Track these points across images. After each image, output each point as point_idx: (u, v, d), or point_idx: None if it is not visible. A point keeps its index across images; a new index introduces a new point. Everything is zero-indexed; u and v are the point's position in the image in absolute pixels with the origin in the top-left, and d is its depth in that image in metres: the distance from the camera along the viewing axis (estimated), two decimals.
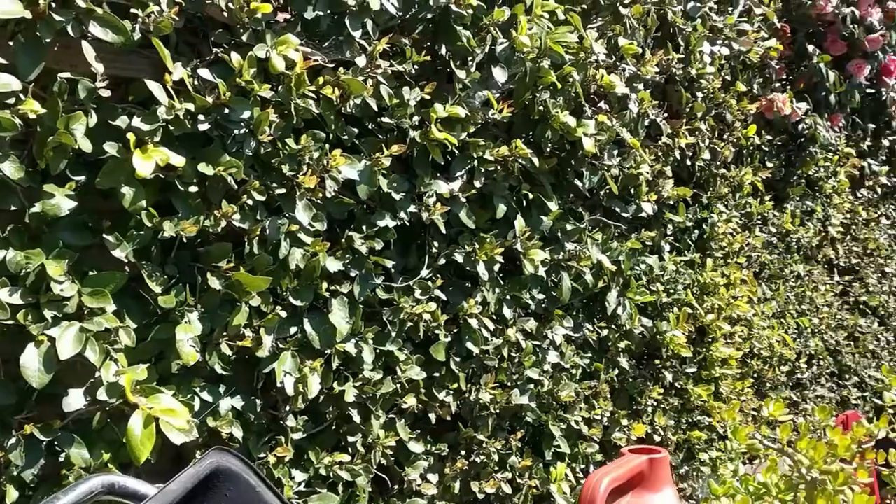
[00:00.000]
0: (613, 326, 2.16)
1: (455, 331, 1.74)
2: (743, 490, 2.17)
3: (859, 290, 3.67)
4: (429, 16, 1.64)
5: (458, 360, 1.74)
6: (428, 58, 1.62)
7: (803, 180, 3.15)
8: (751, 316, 2.72)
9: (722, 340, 2.56)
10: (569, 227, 2.01)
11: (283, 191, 1.43)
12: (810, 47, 3.01)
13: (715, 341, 2.52)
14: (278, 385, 1.41)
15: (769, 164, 2.87)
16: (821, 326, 3.35)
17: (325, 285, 1.48)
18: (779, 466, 2.18)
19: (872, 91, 3.47)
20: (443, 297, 1.70)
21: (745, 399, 2.71)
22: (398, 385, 1.62)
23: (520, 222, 1.84)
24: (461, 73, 1.69)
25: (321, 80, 1.46)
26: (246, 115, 1.35)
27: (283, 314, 1.43)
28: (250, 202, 1.39)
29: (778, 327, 2.96)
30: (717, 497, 2.15)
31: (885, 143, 3.74)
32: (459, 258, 1.73)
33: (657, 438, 2.32)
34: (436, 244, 1.71)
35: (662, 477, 1.61)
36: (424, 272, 1.67)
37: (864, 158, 3.59)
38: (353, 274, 1.53)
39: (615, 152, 2.08)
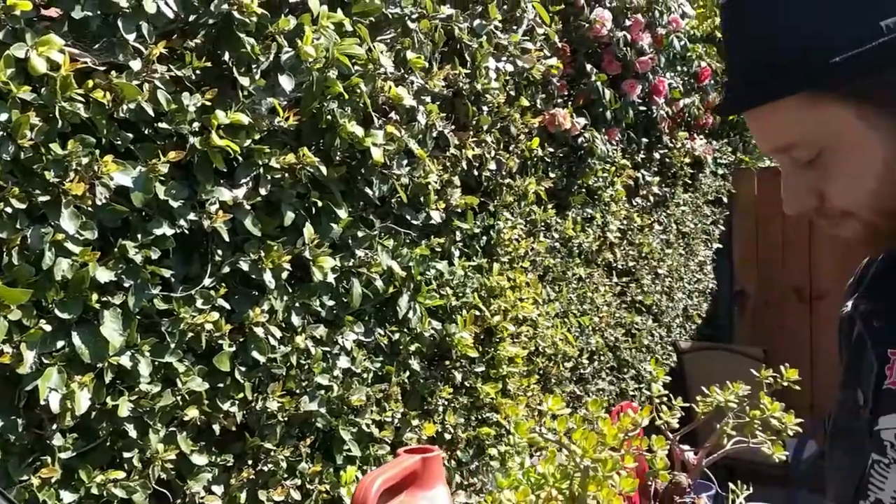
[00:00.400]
0: (405, 330, 2.23)
1: (241, 340, 1.73)
2: (525, 481, 2.32)
3: (635, 290, 4.01)
4: (211, 21, 1.62)
5: (243, 369, 1.73)
6: (209, 64, 1.60)
7: (584, 190, 3.39)
8: (535, 316, 2.90)
9: (509, 340, 2.71)
10: (360, 234, 2.05)
11: (47, 198, 1.36)
12: (589, 66, 3.26)
13: (502, 341, 2.66)
14: (42, 402, 1.34)
15: (552, 175, 3.07)
16: (601, 325, 3.62)
17: (95, 297, 1.42)
18: (557, 457, 2.35)
19: (644, 108, 3.81)
20: (227, 306, 1.68)
21: (531, 395, 2.88)
22: (179, 397, 1.59)
23: (309, 230, 1.86)
24: (245, 80, 1.68)
25: (91, 83, 1.40)
26: (3, 117, 1.27)
27: (49, 328, 1.36)
28: (9, 210, 1.31)
29: (561, 326, 3.17)
30: (501, 489, 2.28)
31: (657, 155, 4.11)
32: (245, 266, 1.72)
33: (448, 436, 2.42)
34: (219, 252, 1.69)
35: (436, 474, 1.69)
36: (207, 281, 1.65)
37: (639, 170, 3.93)
38: (127, 284, 1.48)
39: (405, 162, 2.15)
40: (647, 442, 2.41)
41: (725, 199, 5.30)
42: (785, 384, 2.60)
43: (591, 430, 2.29)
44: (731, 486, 2.75)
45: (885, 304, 0.95)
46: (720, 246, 5.30)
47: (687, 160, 4.44)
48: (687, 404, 2.92)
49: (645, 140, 3.96)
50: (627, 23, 3.41)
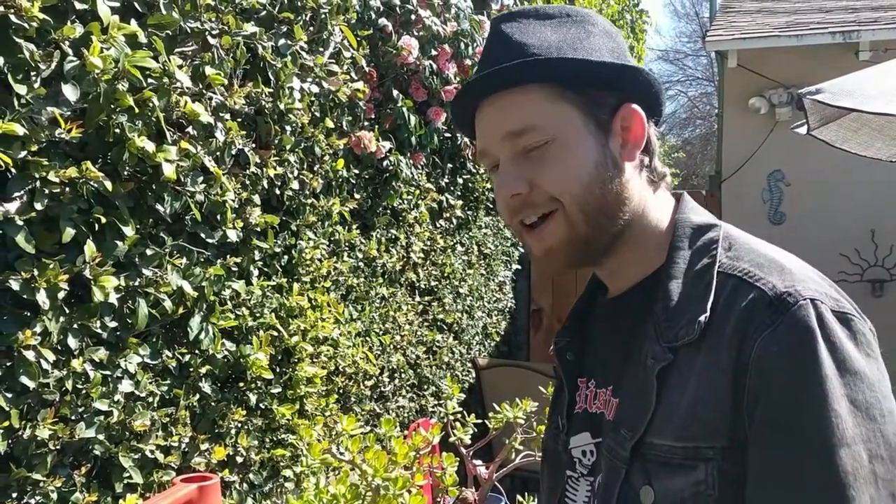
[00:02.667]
0: (196, 352, 2.17)
1: (8, 364, 1.61)
2: (317, 502, 2.32)
3: (437, 309, 4.13)
4: None
5: (10, 395, 1.61)
6: None
7: (388, 211, 3.46)
8: (336, 336, 2.92)
9: (307, 360, 2.71)
10: (148, 252, 1.97)
11: None
12: (396, 92, 3.34)
13: (300, 361, 2.66)
14: None
15: (357, 196, 3.12)
16: (402, 343, 3.70)
17: None
18: (349, 477, 2.38)
19: (449, 135, 3.95)
20: None
21: (329, 415, 2.89)
22: None
23: (90, 247, 1.77)
24: (21, 88, 1.58)
25: None
26: None
27: None
28: None
29: (362, 345, 3.21)
30: None
31: (460, 180, 4.28)
32: (15, 285, 1.61)
33: (240, 459, 2.38)
34: None
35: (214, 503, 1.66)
36: None
37: (443, 193, 4.06)
38: None
39: (199, 179, 2.10)
40: (438, 459, 2.50)
41: None
42: None
43: (383, 450, 2.34)
44: (519, 497, 2.90)
45: (577, 339, 1.10)
46: (519, 267, 5.59)
47: (489, 185, 4.65)
48: (481, 420, 3.05)
49: (449, 165, 4.11)
50: (434, 52, 3.54)
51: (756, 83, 6.50)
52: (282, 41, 2.45)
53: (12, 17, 1.53)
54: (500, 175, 0.96)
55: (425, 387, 4.05)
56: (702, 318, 0.87)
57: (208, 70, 2.10)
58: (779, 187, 6.61)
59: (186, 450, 2.15)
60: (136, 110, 1.83)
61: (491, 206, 4.85)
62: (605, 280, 1.05)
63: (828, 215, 6.29)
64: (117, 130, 1.81)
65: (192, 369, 2.15)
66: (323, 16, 2.67)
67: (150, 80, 1.88)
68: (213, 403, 2.25)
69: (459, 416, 2.96)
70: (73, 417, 1.78)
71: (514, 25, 0.96)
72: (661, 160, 1.02)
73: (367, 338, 3.32)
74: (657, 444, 0.87)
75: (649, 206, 0.99)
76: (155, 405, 2.03)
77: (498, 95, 0.94)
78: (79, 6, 1.71)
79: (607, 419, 0.97)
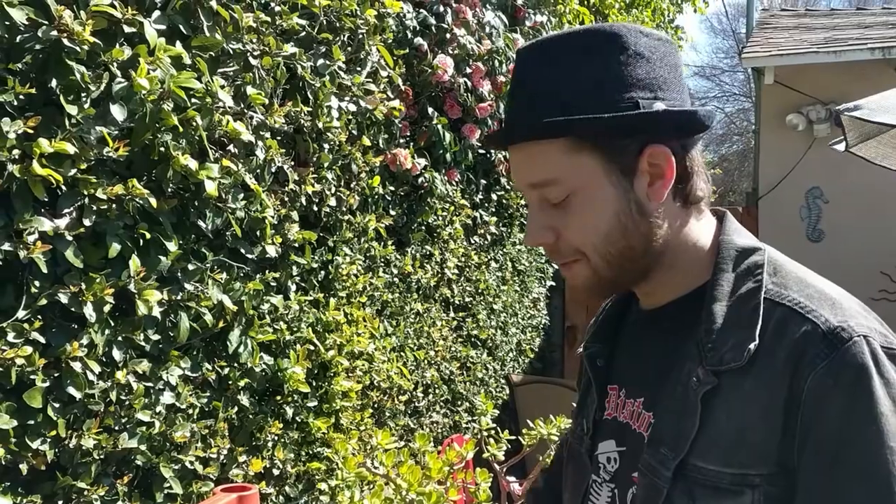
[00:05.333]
0: (235, 365, 2.21)
1: (56, 375, 1.67)
2: None
3: (471, 324, 4.15)
4: (37, 46, 1.58)
5: (57, 405, 1.67)
6: (33, 90, 1.56)
7: (423, 227, 3.50)
8: (372, 350, 2.95)
9: (343, 375, 2.74)
10: (190, 267, 2.02)
11: None
12: (431, 110, 3.38)
13: (336, 376, 2.69)
14: None
15: (392, 212, 3.16)
16: (436, 358, 3.72)
17: None
18: (384, 491, 2.40)
19: (483, 152, 3.98)
20: (42, 339, 1.62)
21: (364, 429, 2.92)
22: None
23: (135, 262, 1.82)
24: (72, 109, 1.64)
25: None
26: None
27: None
28: None
29: (397, 360, 3.24)
30: None
31: (495, 196, 4.30)
32: (64, 299, 1.66)
33: (276, 472, 2.41)
34: (36, 284, 1.62)
35: None
36: (21, 313, 1.58)
37: (477, 209, 4.09)
38: None
39: (240, 196, 2.15)
40: (472, 475, 2.51)
41: None
42: None
43: (417, 464, 2.36)
44: None
45: (607, 346, 1.11)
46: (553, 283, 5.58)
47: (523, 201, 4.67)
48: (515, 437, 3.06)
49: (483, 182, 4.13)
50: (469, 70, 3.58)
51: (793, 99, 6.45)
52: (321, 61, 2.50)
53: (65, 41, 1.59)
54: (529, 221, 0.99)
55: (459, 402, 4.06)
56: (752, 345, 0.88)
57: (249, 90, 2.15)
58: (817, 204, 6.53)
59: (224, 461, 2.19)
60: (181, 129, 1.88)
61: (525, 222, 4.86)
62: (640, 295, 1.07)
63: (867, 233, 6.20)
64: (162, 149, 1.86)
65: (230, 382, 2.19)
66: (360, 36, 2.72)
67: (193, 100, 1.93)
68: (250, 416, 2.29)
69: (493, 432, 2.97)
70: (116, 428, 1.83)
71: (536, 70, 0.95)
72: (706, 176, 1.01)
73: (402, 353, 3.35)
74: (702, 467, 0.88)
75: (687, 229, 0.99)
76: (195, 417, 2.07)
77: (522, 145, 0.96)
78: (127, 29, 1.77)
79: (635, 430, 0.99)
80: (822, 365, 0.84)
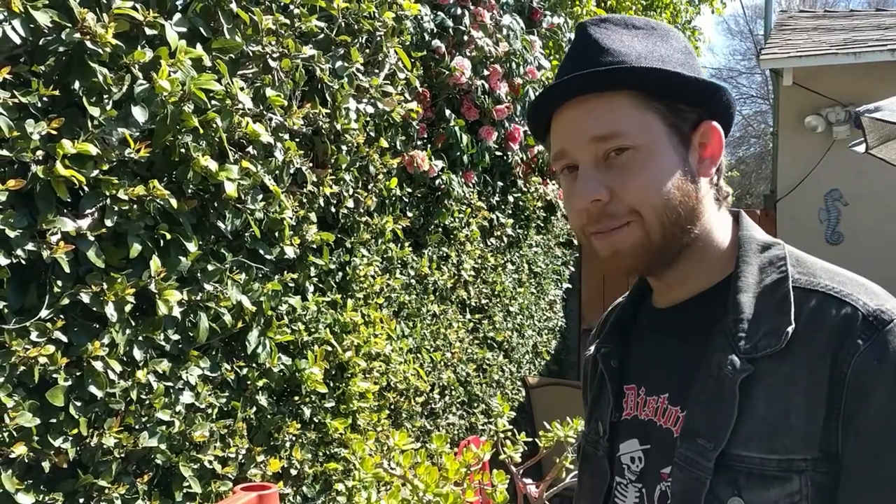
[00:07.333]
0: (253, 365, 2.23)
1: (78, 374, 1.68)
2: None
3: (487, 326, 4.15)
4: (61, 49, 1.60)
5: (79, 404, 1.68)
6: (57, 92, 1.57)
7: (440, 229, 3.50)
8: (388, 352, 2.96)
9: (360, 376, 2.75)
10: (210, 267, 2.04)
11: None
12: (448, 112, 3.39)
13: (353, 377, 2.70)
14: None
15: (409, 214, 3.16)
16: (453, 360, 3.72)
17: None
18: (401, 492, 2.40)
19: (500, 154, 3.98)
20: (64, 338, 1.64)
21: (381, 430, 2.93)
22: (6, 433, 1.53)
23: (155, 262, 1.83)
24: (95, 110, 1.66)
25: None
26: None
27: None
28: None
29: (413, 362, 3.24)
30: None
31: (511, 198, 4.30)
32: (86, 298, 1.68)
33: (294, 472, 2.42)
34: (59, 283, 1.64)
35: None
36: (44, 313, 1.60)
37: (494, 211, 4.09)
38: None
39: (259, 197, 2.16)
40: (489, 476, 2.51)
41: (576, 242, 5.59)
42: None
43: (434, 465, 2.36)
44: None
45: (620, 347, 1.11)
46: (570, 286, 5.57)
47: (540, 204, 4.66)
48: (531, 439, 3.05)
49: (500, 184, 4.13)
50: (486, 72, 3.58)
51: (812, 101, 6.40)
52: (339, 63, 2.51)
53: (88, 44, 1.61)
54: (581, 179, 0.95)
55: (475, 404, 4.06)
56: (789, 329, 0.88)
57: (269, 92, 2.16)
58: (836, 206, 6.48)
59: (243, 461, 2.20)
60: (201, 131, 1.90)
61: (541, 224, 4.85)
62: (658, 290, 1.07)
63: (887, 235, 6.14)
64: (182, 150, 1.88)
65: (249, 382, 2.21)
66: (378, 38, 2.73)
67: (213, 102, 1.95)
68: (268, 416, 2.30)
69: (509, 434, 2.97)
70: (136, 427, 1.84)
71: (602, 31, 0.97)
72: (724, 179, 1.04)
73: (419, 354, 3.35)
74: (745, 455, 0.88)
75: (715, 221, 1.00)
76: (213, 417, 2.08)
77: (586, 98, 0.94)
78: (149, 32, 1.78)
79: (661, 426, 0.98)
80: (867, 346, 0.84)
